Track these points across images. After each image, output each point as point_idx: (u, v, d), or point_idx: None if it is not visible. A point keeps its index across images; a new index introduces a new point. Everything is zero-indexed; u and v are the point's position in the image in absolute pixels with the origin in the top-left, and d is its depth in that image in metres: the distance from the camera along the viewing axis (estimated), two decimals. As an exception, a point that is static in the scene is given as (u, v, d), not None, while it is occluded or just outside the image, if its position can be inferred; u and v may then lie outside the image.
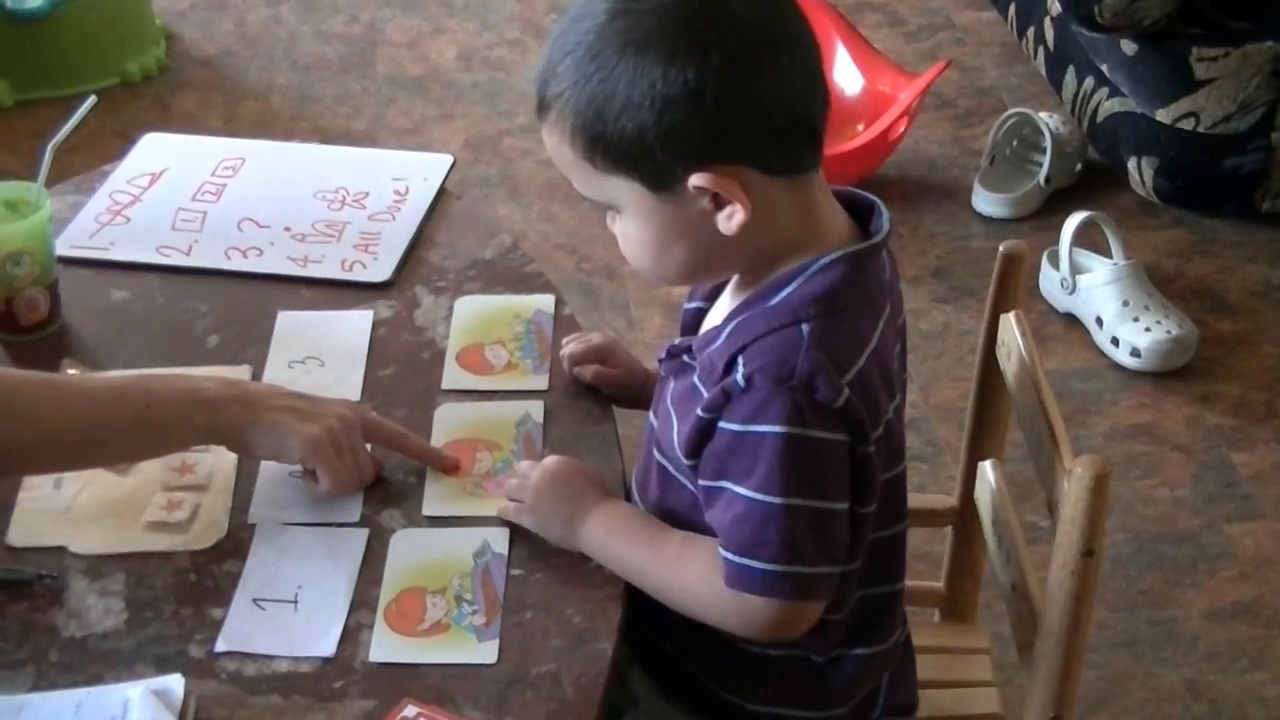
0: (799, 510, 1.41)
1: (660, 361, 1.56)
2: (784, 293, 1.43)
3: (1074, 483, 1.48)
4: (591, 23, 1.37)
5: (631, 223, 1.44)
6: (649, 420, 1.59)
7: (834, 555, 1.45)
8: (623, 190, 1.41)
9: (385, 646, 1.46)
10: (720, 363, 1.43)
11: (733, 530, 1.43)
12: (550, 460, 1.58)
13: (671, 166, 1.37)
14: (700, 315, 1.57)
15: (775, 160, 1.40)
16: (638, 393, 1.73)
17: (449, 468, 1.64)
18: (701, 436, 1.44)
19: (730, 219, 1.39)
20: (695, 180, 1.37)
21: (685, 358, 1.50)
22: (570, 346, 1.76)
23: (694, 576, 1.48)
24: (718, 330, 1.46)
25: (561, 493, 1.55)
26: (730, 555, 1.44)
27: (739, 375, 1.40)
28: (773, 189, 1.40)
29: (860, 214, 1.50)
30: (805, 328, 1.40)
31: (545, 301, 1.87)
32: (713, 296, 1.57)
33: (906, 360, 1.59)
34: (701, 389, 1.45)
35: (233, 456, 1.63)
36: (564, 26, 1.40)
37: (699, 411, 1.43)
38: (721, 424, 1.42)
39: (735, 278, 1.51)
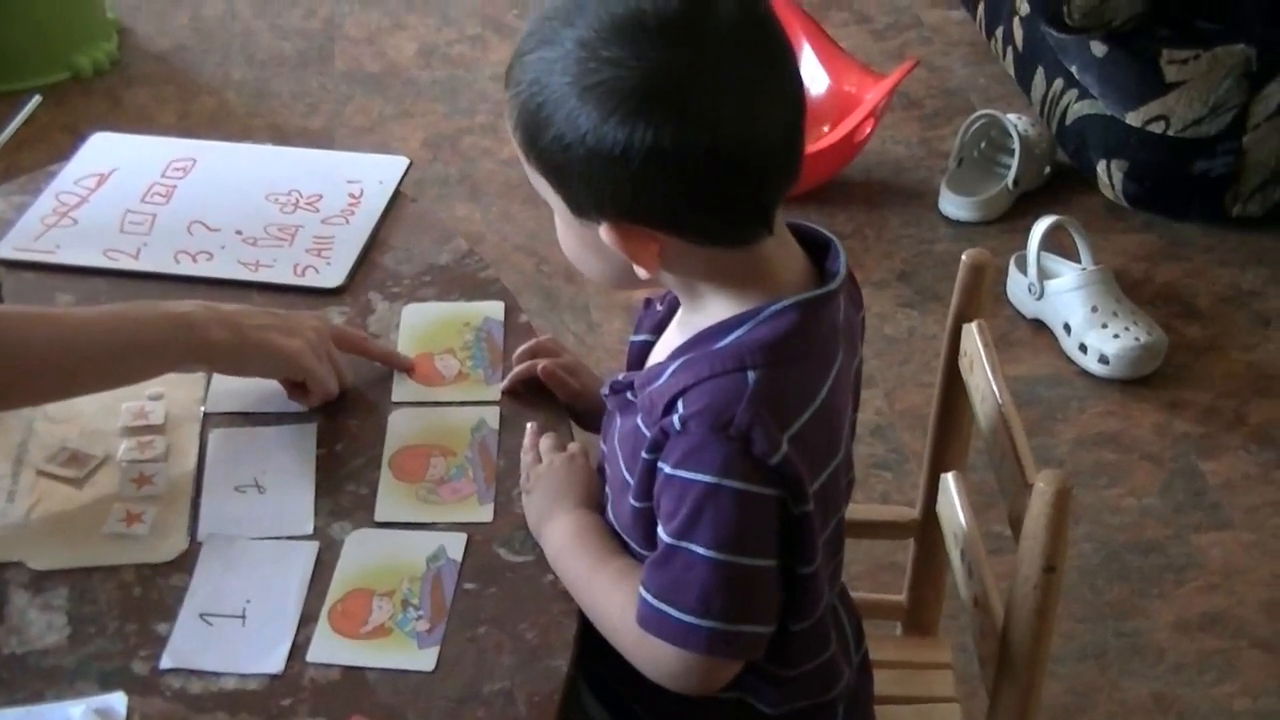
0: (720, 564, 1.35)
1: (605, 396, 1.52)
2: (732, 336, 1.38)
3: (1036, 498, 1.46)
4: (564, 34, 1.30)
5: (559, 224, 1.43)
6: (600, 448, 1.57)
7: (759, 615, 1.40)
8: (550, 195, 1.38)
9: (325, 648, 1.44)
10: (661, 402, 1.38)
11: (654, 571, 1.39)
12: (561, 455, 1.57)
13: (586, 207, 1.35)
14: (647, 349, 1.53)
15: (699, 235, 1.35)
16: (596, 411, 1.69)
17: (408, 367, 1.74)
18: (650, 479, 1.40)
19: (640, 268, 1.37)
20: (602, 232, 1.35)
21: (629, 394, 1.46)
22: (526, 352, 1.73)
23: (616, 607, 1.44)
24: (661, 368, 1.41)
25: (548, 488, 1.54)
26: (647, 596, 1.40)
27: (676, 417, 1.35)
28: (694, 251, 1.36)
29: (816, 249, 1.45)
30: (751, 375, 1.35)
31: (494, 309, 1.83)
32: (659, 329, 1.53)
33: (859, 406, 1.54)
34: (644, 429, 1.41)
35: (189, 467, 1.62)
36: (547, 15, 1.33)
37: (644, 454, 1.40)
38: (659, 464, 1.38)
39: (680, 312, 1.47)
